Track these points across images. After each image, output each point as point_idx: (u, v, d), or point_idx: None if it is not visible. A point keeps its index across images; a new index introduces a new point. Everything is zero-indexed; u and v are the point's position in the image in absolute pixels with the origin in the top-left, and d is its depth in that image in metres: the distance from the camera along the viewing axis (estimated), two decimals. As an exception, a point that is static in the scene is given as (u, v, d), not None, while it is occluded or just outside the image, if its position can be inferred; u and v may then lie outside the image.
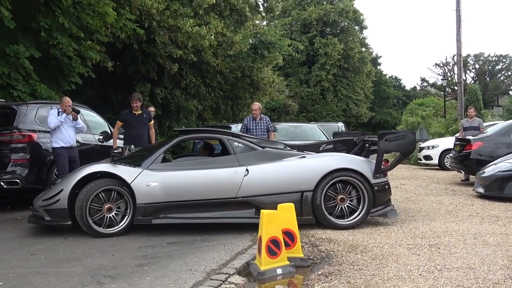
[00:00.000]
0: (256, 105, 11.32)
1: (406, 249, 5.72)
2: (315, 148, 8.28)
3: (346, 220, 6.95)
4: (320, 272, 4.94)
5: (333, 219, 6.90)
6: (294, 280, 4.85)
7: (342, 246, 5.95)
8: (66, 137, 8.99)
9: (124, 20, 13.15)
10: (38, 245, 6.30)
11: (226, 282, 4.69)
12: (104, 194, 6.62)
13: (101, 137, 10.75)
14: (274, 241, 4.98)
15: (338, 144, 8.43)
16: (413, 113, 37.98)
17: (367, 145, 7.96)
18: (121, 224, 6.72)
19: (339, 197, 6.97)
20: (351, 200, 7.03)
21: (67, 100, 9.16)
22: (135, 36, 14.71)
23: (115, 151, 7.92)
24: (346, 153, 7.80)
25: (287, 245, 5.21)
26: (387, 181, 7.33)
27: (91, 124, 10.87)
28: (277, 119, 33.99)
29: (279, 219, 5.18)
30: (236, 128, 16.98)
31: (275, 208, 6.66)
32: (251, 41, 21.21)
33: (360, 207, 7.02)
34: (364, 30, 54.52)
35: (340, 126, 21.87)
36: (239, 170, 6.91)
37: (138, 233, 6.79)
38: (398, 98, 66.97)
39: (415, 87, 68.08)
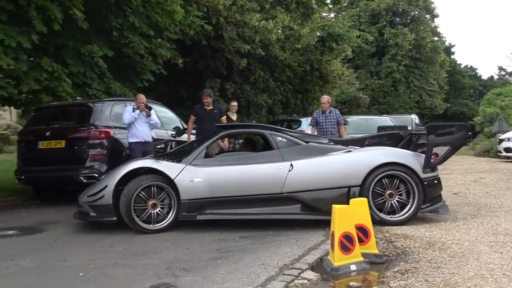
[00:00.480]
0: (325, 98, 11.16)
1: (487, 246, 5.41)
2: (361, 142, 7.95)
3: (396, 216, 6.70)
4: (396, 269, 4.77)
5: (382, 215, 6.67)
6: (368, 277, 4.71)
7: (419, 242, 5.73)
8: (140, 133, 9.23)
9: (192, 17, 13.32)
10: (116, 238, 6.45)
11: (299, 278, 4.61)
12: (148, 190, 6.63)
13: (174, 132, 10.91)
14: (347, 237, 4.86)
15: (384, 138, 8.06)
16: (491, 103, 36.41)
17: (414, 138, 7.65)
18: (165, 220, 6.70)
19: (388, 192, 6.73)
20: (400, 195, 6.78)
21: (141, 97, 9.38)
22: (203, 33, 14.90)
23: (158, 147, 7.95)
24: (393, 147, 7.50)
25: (361, 240, 5.06)
26: (437, 175, 7.01)
27: (164, 120, 11.04)
28: (348, 112, 33.54)
29: (351, 214, 5.04)
30: (306, 121, 16.94)
31: (321, 204, 6.62)
32: (318, 34, 21.09)
33: (410, 202, 6.75)
34: (435, 18, 53.01)
35: (414, 118, 21.37)
36: (283, 165, 6.78)
37: (211, 227, 6.80)
38: (474, 88, 64.82)
39: (492, 76, 65.52)
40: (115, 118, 9.72)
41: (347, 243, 4.83)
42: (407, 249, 5.48)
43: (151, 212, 6.61)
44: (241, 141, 10.34)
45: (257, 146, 8.60)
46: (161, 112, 11.20)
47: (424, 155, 6.88)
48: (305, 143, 7.23)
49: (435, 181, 6.92)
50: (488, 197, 9.10)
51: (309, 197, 6.68)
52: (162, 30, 12.53)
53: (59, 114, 10.05)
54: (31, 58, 9.97)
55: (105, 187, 6.65)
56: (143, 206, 6.58)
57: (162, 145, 8.74)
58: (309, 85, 22.18)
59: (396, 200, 6.74)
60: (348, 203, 6.45)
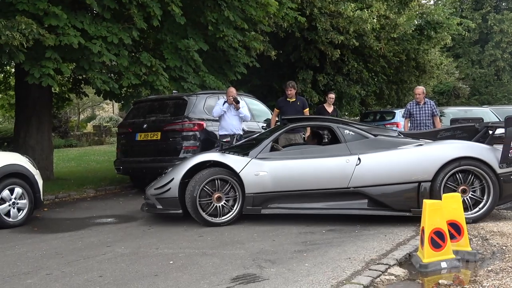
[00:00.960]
0: (420, 88, 10.78)
1: None
2: (433, 135, 7.58)
3: (468, 213, 6.29)
4: (490, 268, 4.61)
5: None
6: (460, 275, 4.59)
7: (517, 240, 5.49)
8: (229, 125, 9.42)
9: (286, 9, 13.33)
10: (205, 228, 6.65)
11: (386, 273, 4.56)
12: (212, 183, 6.67)
13: (265, 125, 11.01)
14: (438, 233, 4.75)
15: (458, 131, 7.60)
16: None
17: (490, 131, 7.19)
18: (230, 214, 6.75)
19: (460, 188, 6.43)
20: (474, 192, 6.46)
21: (231, 90, 9.56)
22: (297, 24, 14.88)
23: (224, 140, 7.97)
24: (468, 140, 7.09)
25: (452, 237, 4.95)
26: None
27: (255, 112, 11.19)
28: (446, 103, 32.34)
29: (443, 210, 4.91)
30: (400, 113, 16.52)
31: (390, 199, 6.50)
32: (416, 22, 20.38)
33: (485, 199, 6.43)
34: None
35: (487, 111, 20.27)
36: (350, 159, 6.63)
37: (298, 219, 6.84)
38: None
39: None
40: (208, 111, 9.93)
41: (438, 239, 4.75)
42: (504, 247, 5.29)
43: (216, 205, 6.70)
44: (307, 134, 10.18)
45: (324, 139, 8.44)
46: (253, 105, 11.35)
47: (501, 149, 6.50)
48: (373, 136, 7.06)
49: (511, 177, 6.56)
50: None
51: (377, 192, 6.55)
52: (256, 23, 12.66)
53: (156, 107, 10.44)
54: (132, 54, 10.42)
55: (172, 180, 6.76)
56: (208, 200, 6.67)
57: (228, 138, 8.76)
58: (405, 75, 21.57)
59: (469, 197, 6.48)
60: (417, 203, 6.36)
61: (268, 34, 14.38)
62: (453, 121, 9.85)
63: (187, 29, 11.26)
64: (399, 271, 4.68)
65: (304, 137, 9.88)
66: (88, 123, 38.97)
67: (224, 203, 6.75)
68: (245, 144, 7.61)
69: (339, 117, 13.63)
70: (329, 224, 6.60)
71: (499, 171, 6.42)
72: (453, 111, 17.72)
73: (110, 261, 5.21)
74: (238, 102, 9.38)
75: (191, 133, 9.63)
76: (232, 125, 9.43)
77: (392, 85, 21.68)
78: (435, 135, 7.63)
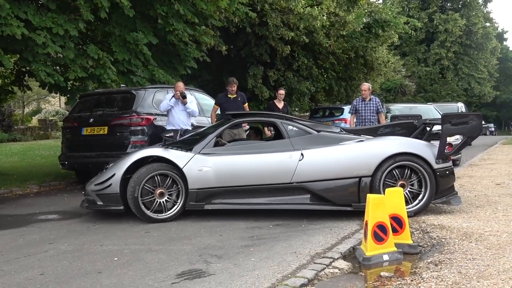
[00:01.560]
0: (365, 85, 10.97)
1: (528, 239, 5.29)
2: (373, 131, 7.77)
3: (408, 206, 6.38)
4: (429, 260, 4.72)
5: None
6: (401, 267, 4.69)
7: (455, 233, 5.63)
8: (176, 120, 9.34)
9: (237, 4, 13.26)
10: (152, 224, 6.54)
11: (330, 267, 4.61)
12: (154, 180, 6.58)
13: None
14: (381, 227, 4.83)
15: (398, 128, 7.82)
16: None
17: (428, 128, 7.42)
18: (175, 208, 6.69)
19: (399, 183, 6.61)
20: (412, 186, 6.66)
21: (178, 84, 9.48)
22: (248, 20, 14.88)
23: (167, 135, 7.92)
24: (406, 137, 7.30)
25: (394, 230, 5.05)
26: (451, 166, 6.88)
27: (205, 107, 11.11)
28: (393, 100, 33.09)
29: (386, 204, 5.00)
30: (348, 109, 16.77)
31: (331, 194, 6.59)
32: (365, 20, 20.72)
33: (422, 193, 6.63)
34: (488, 3, 51.50)
35: (460, 106, 20.95)
36: (293, 155, 6.68)
37: (246, 214, 6.83)
38: (527, 75, 62.70)
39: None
40: (157, 105, 9.80)
41: (380, 233, 4.82)
42: (443, 240, 5.43)
43: (159, 201, 6.62)
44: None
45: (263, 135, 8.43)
46: (203, 100, 11.31)
47: (437, 145, 6.74)
48: (316, 132, 7.11)
49: (448, 172, 6.78)
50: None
51: (319, 187, 6.62)
52: (206, 17, 12.54)
53: (103, 101, 10.24)
54: (78, 46, 10.14)
55: (113, 175, 6.64)
56: (151, 197, 6.58)
57: (171, 133, 8.68)
58: (353, 72, 21.91)
59: (408, 191, 6.64)
60: (358, 197, 6.50)
61: (219, 29, 14.32)
62: (393, 117, 10.08)
63: (136, 22, 11.04)
64: (343, 264, 4.73)
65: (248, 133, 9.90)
66: (33, 117, 37.97)
67: (168, 197, 6.67)
68: (189, 140, 7.53)
69: (289, 113, 13.74)
70: (277, 219, 6.62)
71: (435, 166, 6.61)
72: (398, 108, 18.11)
73: (52, 258, 5.06)
74: (185, 97, 9.26)
75: (139, 128, 9.48)
76: (179, 120, 9.34)
77: (341, 82, 21.97)
78: (376, 132, 7.77)
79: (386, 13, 21.02)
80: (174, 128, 9.26)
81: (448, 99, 39.09)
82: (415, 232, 5.76)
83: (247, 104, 10.55)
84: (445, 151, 6.72)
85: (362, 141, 6.97)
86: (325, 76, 20.24)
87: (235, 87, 10.14)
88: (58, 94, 13.38)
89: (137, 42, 10.81)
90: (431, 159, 6.62)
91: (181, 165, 6.63)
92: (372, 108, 10.62)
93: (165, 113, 9.47)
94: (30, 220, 7.13)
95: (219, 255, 5.02)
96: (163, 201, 6.64)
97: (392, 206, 5.12)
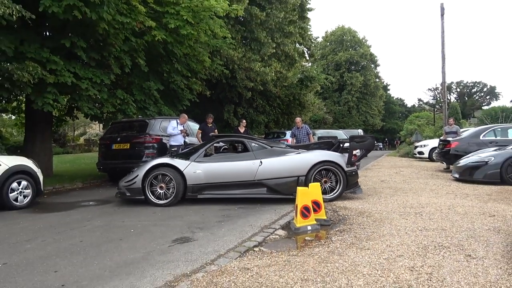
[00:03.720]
0: (298, 119, 11.15)
1: (398, 215, 5.41)
2: (307, 147, 7.84)
3: (328, 195, 6.64)
4: (337, 229, 4.78)
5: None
6: (319, 234, 4.71)
7: (354, 212, 5.72)
8: (178, 138, 9.30)
9: (216, 64, 13.38)
10: (158, 207, 6.47)
11: (273, 234, 4.64)
12: (158, 178, 6.58)
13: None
14: (306, 208, 4.87)
15: (322, 145, 7.94)
16: (412, 122, 36.18)
17: (341, 145, 7.57)
18: (170, 198, 6.55)
19: (323, 180, 6.70)
20: (331, 182, 6.76)
21: (184, 115, 9.60)
22: (223, 74, 14.96)
23: (173, 149, 7.84)
24: (328, 150, 7.39)
25: (315, 210, 5.08)
26: (356, 169, 7.01)
27: (194, 131, 11.01)
28: (318, 127, 33.42)
29: (309, 193, 5.03)
30: (289, 133, 16.83)
31: (281, 187, 6.62)
32: (299, 76, 21.05)
33: (338, 186, 6.74)
34: (377, 66, 52.67)
35: (359, 131, 21.42)
36: (255, 162, 6.71)
37: (220, 201, 6.79)
38: (401, 112, 64.31)
39: (414, 104, 65.15)
40: (162, 129, 9.72)
41: (305, 212, 4.85)
42: (346, 216, 5.47)
43: (160, 192, 6.57)
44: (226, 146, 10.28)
45: (238, 149, 8.44)
46: (194, 126, 11.21)
47: (347, 155, 6.88)
48: (270, 147, 7.14)
49: (354, 173, 6.89)
50: (403, 183, 8.99)
51: (272, 183, 6.64)
52: (196, 72, 12.60)
53: (127, 126, 10.08)
54: (110, 90, 10.01)
55: (137, 176, 6.60)
56: (155, 188, 6.57)
57: (175, 148, 8.62)
58: (293, 109, 22.09)
59: (329, 186, 6.74)
60: (296, 190, 6.50)
61: (205, 80, 14.34)
62: (319, 138, 10.23)
63: (149, 75, 11.01)
64: (282, 232, 4.76)
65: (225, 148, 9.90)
66: (80, 137, 37.03)
67: (166, 190, 6.58)
68: (187, 152, 7.46)
69: (250, 135, 13.75)
70: (240, 204, 6.59)
71: (346, 169, 6.72)
72: (321, 132, 18.47)
73: (89, 231, 4.96)
74: (188, 135, 9.61)
75: (150, 144, 9.37)
76: (181, 139, 9.36)
77: (284, 115, 22.11)
78: (308, 147, 7.84)
79: (313, 72, 21.42)
80: (177, 144, 9.25)
81: (353, 127, 39.74)
82: (328, 211, 5.78)
83: (216, 130, 10.60)
84: (352, 159, 6.87)
85: (299, 153, 7.02)
86: (274, 111, 20.37)
87: (211, 119, 10.32)
88: (97, 122, 13.13)
89: (150, 88, 10.76)
90: (343, 164, 6.74)
91: (182, 169, 6.59)
92: (303, 132, 10.76)
93: (168, 134, 9.40)
94: (75, 206, 6.95)
95: (201, 227, 4.99)
96: (163, 192, 6.58)
97: (313, 194, 5.17)
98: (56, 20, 8.47)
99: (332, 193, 6.72)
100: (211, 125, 10.30)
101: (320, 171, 6.69)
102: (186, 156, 7.00)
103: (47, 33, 9.61)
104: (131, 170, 7.10)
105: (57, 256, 3.93)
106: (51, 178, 10.29)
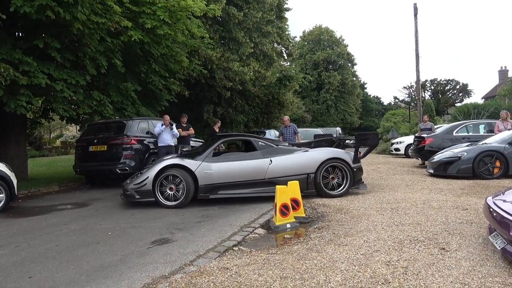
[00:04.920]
0: (285, 117, 11.20)
1: (375, 211, 5.49)
2: (308, 145, 7.95)
3: (335, 191, 6.77)
4: (315, 226, 4.82)
5: (327, 190, 6.72)
6: (298, 231, 4.74)
7: (332, 209, 5.76)
8: (165, 139, 9.23)
9: (194, 64, 13.25)
10: (136, 209, 6.36)
11: (253, 233, 4.64)
12: (168, 179, 6.40)
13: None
14: (285, 206, 4.90)
15: (323, 142, 8.10)
16: (388, 120, 36.77)
17: (342, 142, 7.76)
18: (180, 199, 6.37)
19: (330, 176, 6.80)
20: (338, 179, 6.84)
21: (166, 116, 9.48)
22: (202, 74, 14.87)
23: (184, 149, 7.82)
24: (329, 147, 7.49)
25: (294, 208, 5.11)
26: (361, 165, 7.15)
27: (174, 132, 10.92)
28: (298, 126, 33.49)
29: (288, 191, 5.06)
30: (269, 132, 16.88)
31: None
32: (277, 75, 21.12)
33: (345, 182, 6.85)
34: (354, 66, 53.11)
35: (338, 129, 21.65)
36: (265, 161, 6.71)
37: (200, 202, 6.70)
38: (378, 110, 65.11)
39: (390, 102, 65.99)
40: (140, 130, 9.60)
41: (284, 210, 4.88)
42: (324, 213, 5.52)
43: (169, 193, 6.39)
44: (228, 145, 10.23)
45: (239, 147, 8.37)
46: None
47: (353, 152, 7.01)
48: (276, 146, 7.16)
49: (359, 169, 7.05)
50: (380, 179, 9.10)
51: (282, 181, 6.56)
52: (174, 72, 12.46)
53: (104, 128, 9.88)
54: (86, 91, 9.79)
55: (147, 177, 6.37)
56: (164, 189, 6.40)
57: (187, 148, 8.18)
58: (271, 108, 22.16)
59: (336, 182, 6.83)
60: (307, 187, 6.58)
61: (183, 80, 14.22)
62: (315, 136, 10.32)
63: (126, 76, 10.80)
64: (261, 231, 4.76)
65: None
66: (57, 140, 36.08)
67: (175, 192, 6.42)
68: (195, 152, 7.27)
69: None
70: (220, 204, 6.53)
71: (353, 165, 6.85)
72: (300, 130, 18.44)
73: (65, 234, 4.83)
74: (172, 124, 9.42)
75: (128, 146, 9.20)
76: (167, 139, 9.27)
77: (264, 115, 22.16)
78: (310, 145, 7.94)
79: (291, 71, 21.54)
80: (163, 144, 9.16)
81: (331, 125, 40.10)
82: (307, 209, 5.80)
83: (191, 128, 10.47)
84: (358, 156, 7.00)
85: (307, 151, 7.05)
86: (253, 111, 20.37)
87: (185, 119, 10.23)
88: (73, 124, 12.83)
89: (127, 89, 10.56)
90: (350, 161, 6.84)
91: (193, 169, 6.42)
92: (291, 131, 10.81)
93: (157, 135, 9.32)
94: (51, 209, 6.75)
95: (181, 228, 4.94)
96: (172, 193, 6.40)
97: (292, 192, 5.19)
98: (29, 20, 8.23)
99: (339, 189, 6.83)
100: (185, 124, 10.20)
101: (327, 168, 6.78)
102: (192, 156, 6.86)
103: (20, 34, 9.31)
104: (138, 172, 6.84)
105: (32, 261, 3.81)
106: (26, 181, 9.98)
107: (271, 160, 6.73)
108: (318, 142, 8.22)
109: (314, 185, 6.70)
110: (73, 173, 10.27)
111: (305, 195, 6.58)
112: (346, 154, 6.96)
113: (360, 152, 7.17)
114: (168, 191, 6.42)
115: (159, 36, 10.24)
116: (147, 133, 9.80)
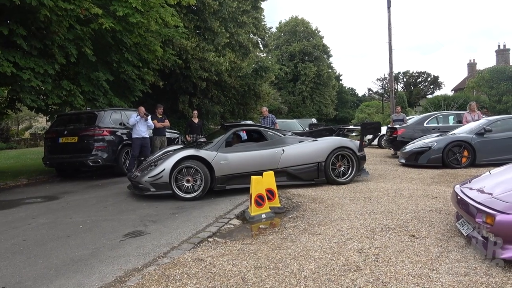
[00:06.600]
0: (264, 108, 11.51)
1: (348, 200, 5.59)
2: (309, 134, 8.13)
3: (343, 178, 7.01)
4: (290, 216, 4.86)
5: (336, 179, 6.96)
6: (273, 221, 4.77)
7: (307, 198, 5.82)
8: (139, 131, 9.05)
9: (169, 54, 13.00)
10: (109, 202, 6.26)
11: (228, 224, 4.64)
12: (182, 171, 6.19)
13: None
14: (260, 196, 4.91)
15: (324, 131, 8.31)
16: (362, 111, 37.51)
17: (341, 132, 8.02)
18: (198, 191, 6.20)
19: (338, 164, 7.03)
20: (344, 166, 7.09)
21: (141, 108, 9.27)
22: (177, 65, 14.61)
23: (201, 140, 7.49)
24: (330, 136, 7.71)
25: (269, 198, 5.14)
26: (364, 154, 7.40)
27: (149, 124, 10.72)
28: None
29: (263, 182, 5.07)
30: (245, 122, 16.77)
31: (301, 174, 6.81)
32: (254, 66, 20.99)
33: (350, 170, 7.09)
34: (330, 57, 53.43)
35: (313, 120, 21.81)
36: (278, 150, 6.78)
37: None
38: (353, 101, 66.05)
39: (364, 94, 67.25)
40: (113, 121, 9.40)
41: (260, 200, 4.90)
42: (299, 203, 5.57)
43: (187, 185, 6.21)
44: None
45: (241, 138, 8.22)
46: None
47: (358, 140, 7.28)
48: (283, 135, 7.25)
49: (363, 157, 7.31)
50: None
51: (294, 170, 6.77)
52: (148, 62, 12.15)
53: (74, 119, 9.61)
54: (55, 81, 9.44)
55: (163, 170, 6.13)
56: (181, 183, 6.20)
57: (204, 139, 7.71)
58: (248, 100, 21.96)
59: (342, 170, 7.05)
60: (318, 175, 6.82)
61: (157, 70, 13.90)
62: (310, 125, 10.40)
63: (97, 65, 10.47)
64: (236, 222, 4.77)
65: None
66: (26, 131, 34.86)
67: (193, 183, 6.23)
68: (207, 142, 7.03)
69: (203, 126, 13.62)
70: (195, 195, 6.51)
71: (358, 153, 7.10)
72: (278, 121, 18.54)
73: (34, 229, 4.69)
74: (148, 115, 9.26)
75: (100, 137, 9.00)
76: (141, 130, 9.09)
77: (240, 106, 21.99)
78: (312, 134, 8.10)
79: (267, 62, 21.41)
80: (137, 136, 9.01)
81: (307, 116, 40.43)
82: (282, 199, 5.85)
83: (167, 120, 10.37)
84: (363, 145, 7.27)
85: (316, 140, 7.19)
86: (229, 102, 20.22)
87: (161, 110, 10.15)
88: (43, 115, 12.41)
89: (98, 79, 10.24)
90: (356, 149, 7.08)
91: (210, 160, 6.30)
92: (269, 121, 10.88)
93: (132, 126, 9.12)
94: (19, 203, 6.54)
95: (155, 220, 4.89)
96: (190, 185, 6.21)
97: (267, 183, 5.21)
98: (-9, 6, 7.84)
99: (345, 177, 7.06)
100: (161, 116, 10.09)
101: (337, 156, 6.99)
102: (208, 147, 6.67)
103: (-18, 20, 8.88)
104: (152, 164, 6.55)
105: (-3, 257, 3.68)
106: (-8, 175, 9.63)
107: (283, 150, 6.82)
108: (319, 131, 8.39)
109: (324, 173, 6.89)
110: (43, 165, 9.96)
111: (316, 183, 6.84)
112: (352, 143, 7.21)
113: (365, 141, 7.47)
114: (185, 183, 6.21)
115: (131, 25, 9.96)
116: (120, 124, 9.59)
